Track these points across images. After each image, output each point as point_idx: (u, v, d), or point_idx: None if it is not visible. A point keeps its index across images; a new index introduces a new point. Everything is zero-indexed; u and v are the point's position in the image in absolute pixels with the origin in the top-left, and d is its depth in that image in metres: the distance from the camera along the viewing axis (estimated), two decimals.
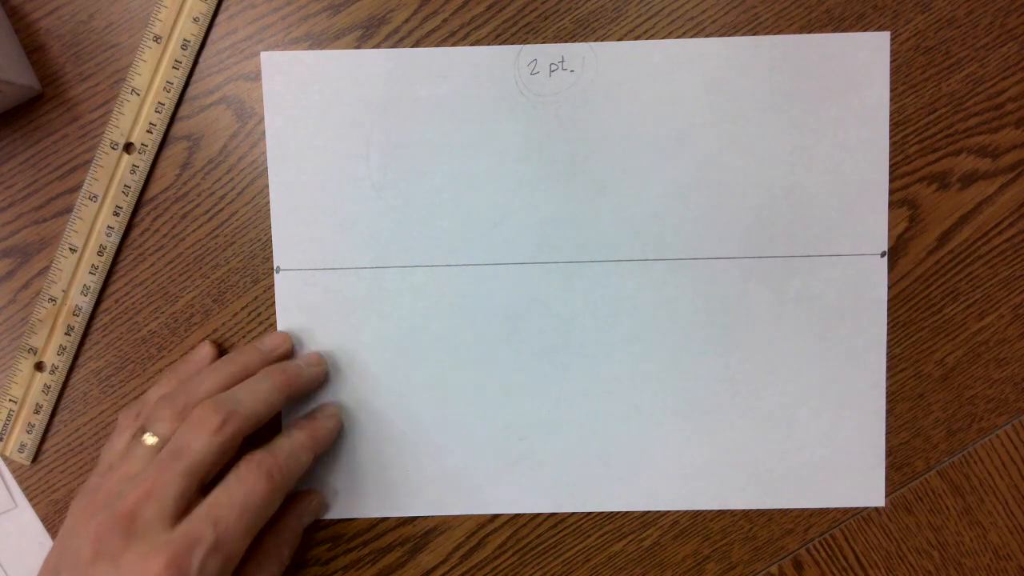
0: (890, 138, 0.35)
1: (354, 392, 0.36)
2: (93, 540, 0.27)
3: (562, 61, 0.34)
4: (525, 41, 0.35)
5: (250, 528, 0.29)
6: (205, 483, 0.29)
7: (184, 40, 0.34)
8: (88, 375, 0.35)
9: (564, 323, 0.35)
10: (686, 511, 0.36)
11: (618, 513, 0.36)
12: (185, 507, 0.28)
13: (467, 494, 0.36)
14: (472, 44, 0.35)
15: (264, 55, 0.34)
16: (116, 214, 0.34)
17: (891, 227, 0.35)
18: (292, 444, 0.32)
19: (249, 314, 0.36)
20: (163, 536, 0.27)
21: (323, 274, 0.35)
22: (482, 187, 0.35)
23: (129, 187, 0.34)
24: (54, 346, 0.35)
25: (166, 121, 0.34)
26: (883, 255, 0.35)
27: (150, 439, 0.30)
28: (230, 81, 0.35)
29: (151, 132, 0.34)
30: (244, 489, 0.29)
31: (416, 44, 0.34)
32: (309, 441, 0.32)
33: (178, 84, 0.34)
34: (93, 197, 0.34)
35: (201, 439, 0.29)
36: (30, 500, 0.36)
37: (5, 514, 0.36)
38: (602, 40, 0.34)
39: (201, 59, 0.34)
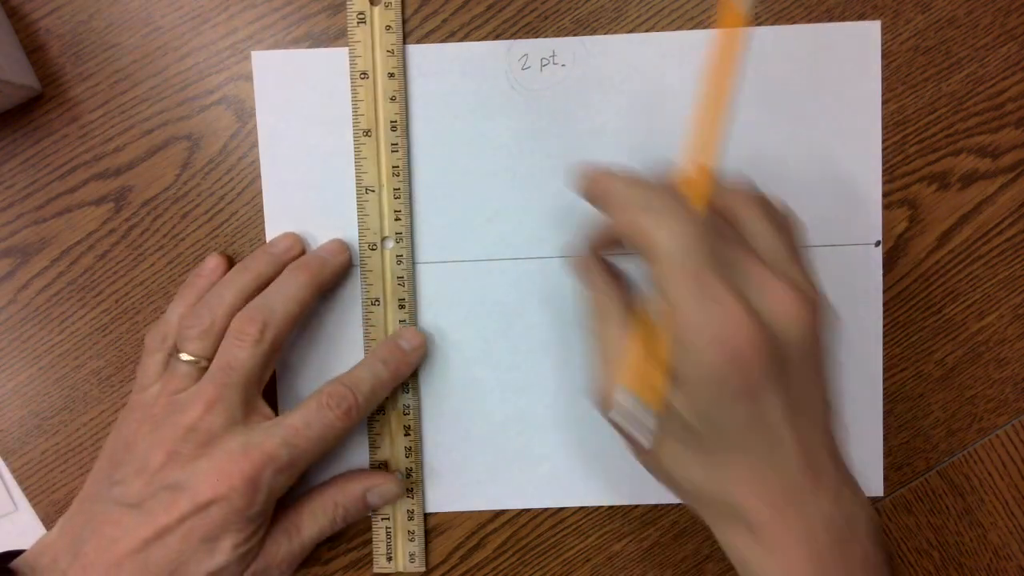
0: (890, 138, 0.35)
1: None
2: (163, 447, 0.29)
3: (553, 56, 0.34)
4: None
5: (317, 456, 0.31)
6: (260, 390, 0.31)
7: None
8: (88, 375, 0.35)
9: (560, 318, 0.35)
10: (686, 510, 0.36)
11: (618, 513, 0.36)
12: (245, 416, 0.30)
13: (465, 490, 0.36)
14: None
15: (255, 54, 0.34)
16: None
17: (891, 227, 0.35)
18: (375, 382, 0.32)
19: None
20: (236, 446, 0.29)
21: None
22: (475, 183, 0.35)
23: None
24: None
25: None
26: (877, 244, 0.35)
27: (186, 357, 0.31)
28: (230, 81, 0.35)
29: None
30: (322, 422, 0.30)
31: (416, 44, 0.34)
32: (391, 380, 0.33)
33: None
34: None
35: (245, 351, 0.30)
36: (30, 500, 0.36)
37: (6, 516, 0.36)
38: None
39: (201, 59, 0.34)
